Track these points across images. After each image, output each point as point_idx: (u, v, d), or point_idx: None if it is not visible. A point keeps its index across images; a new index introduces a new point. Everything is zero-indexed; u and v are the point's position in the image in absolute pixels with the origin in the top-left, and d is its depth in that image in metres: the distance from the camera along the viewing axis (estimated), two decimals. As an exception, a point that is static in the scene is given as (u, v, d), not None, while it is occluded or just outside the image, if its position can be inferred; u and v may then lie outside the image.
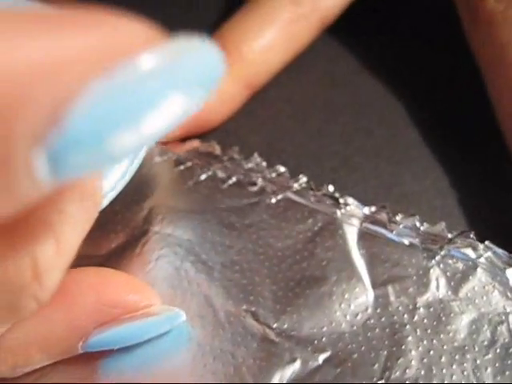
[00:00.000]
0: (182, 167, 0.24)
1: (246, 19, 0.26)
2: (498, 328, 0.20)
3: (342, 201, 0.23)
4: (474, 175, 0.25)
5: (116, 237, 0.22)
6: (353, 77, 0.28)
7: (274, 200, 0.23)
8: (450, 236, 0.22)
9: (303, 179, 0.23)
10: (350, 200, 0.23)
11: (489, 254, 0.21)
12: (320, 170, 0.25)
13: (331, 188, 0.23)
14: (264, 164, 0.24)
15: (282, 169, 0.24)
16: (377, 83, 0.28)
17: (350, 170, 0.25)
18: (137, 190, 0.24)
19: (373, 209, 0.23)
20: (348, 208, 0.23)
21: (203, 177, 0.24)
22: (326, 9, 0.27)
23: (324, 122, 0.26)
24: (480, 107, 0.25)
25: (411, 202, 0.24)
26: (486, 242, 0.21)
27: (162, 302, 0.21)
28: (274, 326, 0.20)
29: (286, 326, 0.20)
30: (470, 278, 0.21)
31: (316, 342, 0.20)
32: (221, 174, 0.24)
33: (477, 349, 0.20)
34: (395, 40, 0.29)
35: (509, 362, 0.19)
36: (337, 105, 0.27)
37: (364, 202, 0.23)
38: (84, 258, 0.21)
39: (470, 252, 0.21)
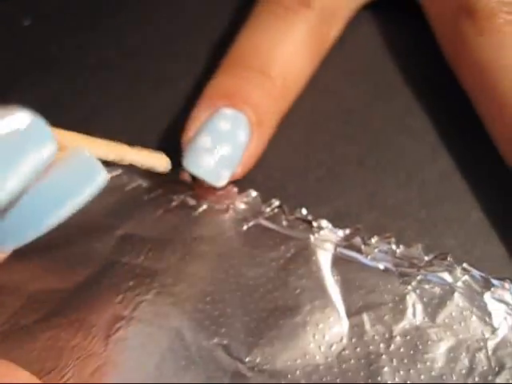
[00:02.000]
0: (152, 195, 0.23)
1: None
2: (477, 355, 0.19)
3: (315, 224, 0.22)
4: (463, 184, 0.24)
5: (84, 269, 0.22)
6: (337, 83, 0.27)
7: (245, 227, 0.22)
8: (426, 259, 0.21)
9: (275, 203, 0.23)
10: (324, 223, 0.22)
11: (466, 277, 0.21)
12: (304, 181, 0.24)
13: (304, 211, 0.23)
14: (235, 190, 0.23)
15: (253, 193, 0.23)
16: (362, 90, 0.27)
17: (334, 180, 0.24)
18: (106, 219, 0.23)
19: (347, 231, 0.22)
20: (322, 232, 0.22)
21: (173, 204, 0.23)
22: None
23: (310, 130, 0.26)
24: (467, 116, 0.25)
25: (395, 213, 0.23)
26: (464, 265, 0.21)
27: (132, 338, 0.20)
28: (247, 359, 0.20)
29: (258, 359, 0.20)
30: (448, 303, 0.20)
31: (289, 375, 0.19)
32: (191, 202, 0.23)
33: (455, 378, 0.19)
34: (382, 46, 0.28)
35: (487, 391, 0.19)
36: (322, 112, 0.26)
37: (348, 216, 0.23)
38: (49, 292, 0.21)
39: (446, 276, 0.21)
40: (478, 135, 0.24)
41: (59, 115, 0.26)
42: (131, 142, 0.25)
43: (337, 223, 0.23)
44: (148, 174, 0.24)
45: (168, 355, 0.20)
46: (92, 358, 0.20)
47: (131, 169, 0.24)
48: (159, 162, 0.21)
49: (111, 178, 0.24)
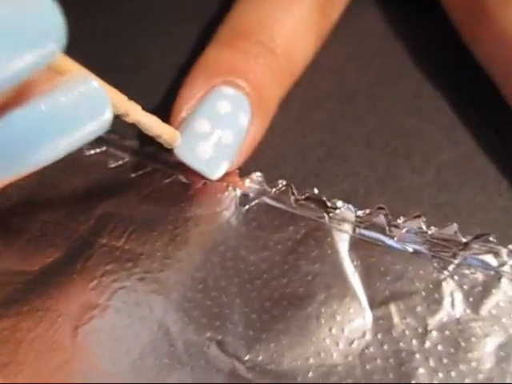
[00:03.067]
0: (140, 172, 0.20)
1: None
2: (534, 354, 0.15)
3: (329, 204, 0.19)
4: (485, 165, 0.21)
5: (54, 251, 0.18)
6: (340, 64, 0.24)
7: (247, 206, 0.19)
8: (464, 240, 0.17)
9: (282, 182, 0.19)
10: (340, 203, 0.19)
11: (515, 260, 0.17)
12: (301, 162, 0.21)
13: (316, 190, 0.19)
14: (236, 171, 0.20)
15: (257, 173, 0.20)
16: (367, 72, 0.24)
17: (338, 161, 0.21)
18: (85, 197, 0.19)
19: (367, 211, 0.18)
20: (337, 211, 0.18)
21: (164, 182, 0.20)
22: None
23: (305, 109, 0.23)
24: (482, 95, 0.22)
25: (411, 199, 0.20)
26: (510, 246, 0.17)
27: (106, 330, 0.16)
28: (246, 358, 0.16)
29: (260, 357, 0.16)
30: (493, 291, 0.17)
31: (300, 377, 0.16)
32: (185, 180, 0.20)
33: (509, 380, 0.15)
34: (388, 27, 0.25)
35: (551, 396, 0.15)
36: (322, 90, 0.23)
37: (355, 199, 0.19)
38: (9, 274, 0.17)
39: (490, 259, 0.17)
40: (495, 115, 0.21)
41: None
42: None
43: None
44: (136, 150, 0.21)
45: (148, 352, 0.16)
46: (56, 351, 0.16)
47: (117, 145, 0.21)
48: (169, 135, 0.18)
49: (94, 153, 0.21)
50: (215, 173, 0.19)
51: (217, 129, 0.19)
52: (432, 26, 0.24)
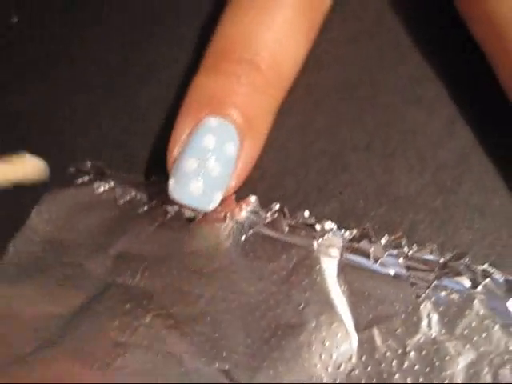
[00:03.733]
0: (146, 207, 0.22)
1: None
2: (500, 371, 0.17)
3: (318, 227, 0.20)
4: (483, 164, 0.21)
5: (78, 293, 0.21)
6: (337, 52, 0.24)
7: (243, 237, 0.21)
8: (441, 260, 0.19)
9: (275, 207, 0.21)
10: (328, 225, 0.20)
11: (487, 281, 0.18)
12: (304, 176, 0.22)
13: (306, 213, 0.21)
14: (233, 196, 0.21)
15: (252, 198, 0.21)
16: (365, 57, 0.24)
17: (338, 170, 0.22)
18: (99, 237, 0.22)
19: (354, 232, 0.20)
20: (326, 237, 0.20)
21: (168, 216, 0.22)
22: None
23: (305, 114, 0.23)
24: (486, 81, 0.22)
25: (407, 205, 0.21)
26: (485, 266, 0.19)
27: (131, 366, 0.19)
28: (250, 385, 0.18)
29: (262, 384, 0.18)
30: (467, 311, 0.18)
31: (296, 400, 0.18)
32: (187, 212, 0.21)
33: (476, 398, 0.17)
34: (385, 6, 0.25)
35: (513, 412, 0.17)
36: (321, 89, 0.24)
37: (354, 212, 0.21)
38: (44, 318, 0.20)
39: (465, 281, 0.19)
40: (499, 104, 0.21)
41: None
42: (115, 145, 0.23)
43: (343, 221, 0.21)
44: (143, 183, 0.23)
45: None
46: (91, 391, 0.19)
47: (125, 180, 0.23)
48: (32, 169, 0.19)
49: (103, 191, 0.23)
50: (209, 206, 0.20)
51: (204, 164, 0.20)
52: (431, 3, 0.24)
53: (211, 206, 0.20)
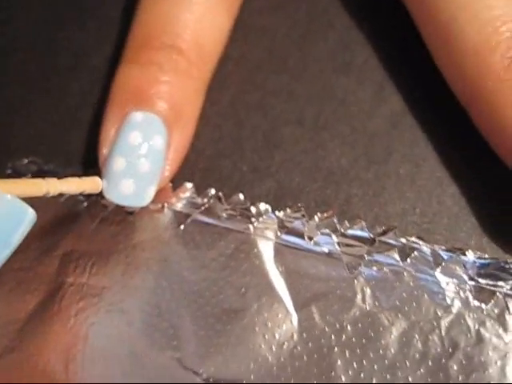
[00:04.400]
0: (86, 203, 0.22)
1: None
2: (430, 337, 0.18)
3: (254, 210, 0.21)
4: (414, 130, 0.22)
5: (32, 297, 0.21)
6: (264, 19, 0.24)
7: (182, 226, 0.21)
8: (372, 236, 0.20)
9: (211, 192, 0.21)
10: (262, 206, 0.21)
11: (415, 253, 0.19)
12: (239, 156, 0.22)
13: (241, 196, 0.21)
14: (169, 185, 0.22)
15: (188, 185, 0.22)
16: (293, 23, 0.24)
17: (272, 148, 0.22)
18: (45, 239, 0.22)
19: (288, 212, 0.20)
20: (261, 219, 0.21)
21: (109, 210, 0.22)
22: None
23: (238, 88, 0.23)
24: (417, 46, 0.21)
25: (341, 179, 0.21)
26: (413, 238, 0.19)
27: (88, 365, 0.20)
28: (201, 371, 0.20)
29: (212, 370, 0.20)
30: (397, 284, 0.19)
31: (245, 381, 0.19)
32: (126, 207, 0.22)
33: (408, 364, 0.18)
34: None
35: (441, 375, 0.18)
36: (252, 62, 0.24)
37: (290, 190, 0.21)
38: (3, 325, 0.21)
39: (394, 255, 0.19)
40: (430, 69, 0.21)
41: None
42: (51, 140, 0.23)
43: (279, 200, 0.21)
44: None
45: (126, 379, 0.20)
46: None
47: (63, 176, 0.23)
48: (91, 186, 0.20)
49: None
50: (142, 202, 0.21)
51: (132, 162, 0.20)
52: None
53: (145, 202, 0.20)
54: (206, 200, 0.21)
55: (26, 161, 0.23)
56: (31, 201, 0.22)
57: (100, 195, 0.22)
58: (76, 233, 0.22)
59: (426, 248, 0.19)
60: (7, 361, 0.21)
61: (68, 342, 0.21)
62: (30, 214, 0.17)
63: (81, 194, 0.22)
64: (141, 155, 0.20)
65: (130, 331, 0.20)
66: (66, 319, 0.21)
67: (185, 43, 0.21)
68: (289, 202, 0.21)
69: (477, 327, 0.18)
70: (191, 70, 0.21)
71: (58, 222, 0.22)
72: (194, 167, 0.22)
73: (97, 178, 0.20)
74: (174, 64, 0.21)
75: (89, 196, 0.22)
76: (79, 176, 0.22)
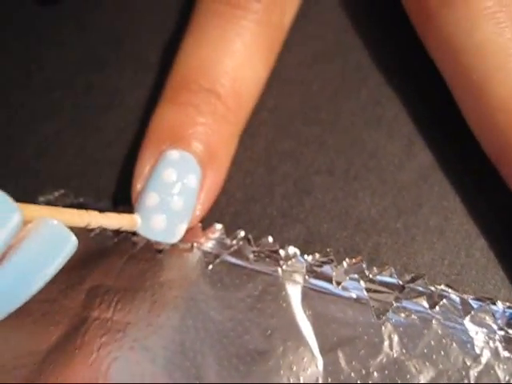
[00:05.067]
0: (116, 239, 0.23)
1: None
2: (459, 387, 0.18)
3: (282, 253, 0.21)
4: (443, 184, 0.22)
5: (55, 329, 0.21)
6: (299, 73, 0.25)
7: (211, 266, 0.21)
8: (401, 283, 0.20)
9: (240, 234, 0.22)
10: (291, 250, 0.21)
11: (444, 301, 0.19)
12: (269, 201, 0.23)
13: (270, 239, 0.21)
14: (199, 225, 0.22)
15: (218, 226, 0.22)
16: (328, 78, 0.25)
17: (303, 194, 0.23)
18: (72, 272, 0.22)
19: (317, 256, 0.21)
20: (289, 262, 0.21)
21: (137, 248, 0.22)
22: None
23: (271, 137, 0.24)
24: (447, 102, 0.22)
25: (370, 228, 0.22)
26: (442, 286, 0.19)
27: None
28: (222, 412, 0.19)
29: (233, 411, 0.19)
30: (425, 331, 0.19)
31: (267, 424, 0.19)
32: (156, 244, 0.22)
33: (437, 414, 0.18)
34: (346, 23, 0.25)
35: (472, 426, 0.18)
36: (286, 111, 0.24)
37: (318, 236, 0.21)
38: (23, 356, 0.21)
39: (423, 302, 0.19)
40: (459, 125, 0.22)
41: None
42: (83, 173, 0.24)
43: (307, 245, 0.21)
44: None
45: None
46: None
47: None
48: (128, 223, 0.20)
49: (74, 224, 0.23)
50: (173, 239, 0.21)
51: (166, 198, 0.21)
52: (391, 22, 0.24)
53: (176, 239, 0.21)
54: (234, 241, 0.22)
55: (57, 194, 0.24)
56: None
57: (130, 232, 0.22)
58: (104, 268, 0.22)
59: (455, 296, 0.19)
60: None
61: (89, 377, 0.20)
62: (73, 241, 0.17)
63: (112, 230, 0.23)
64: (174, 192, 0.21)
65: (152, 369, 0.20)
66: (89, 353, 0.21)
67: (223, 89, 0.22)
68: (318, 248, 0.21)
69: (507, 378, 0.18)
70: (228, 115, 0.22)
71: (87, 256, 0.23)
72: (224, 210, 0.23)
73: (135, 216, 0.21)
74: (211, 107, 0.22)
75: (119, 232, 0.23)
76: (110, 211, 0.23)
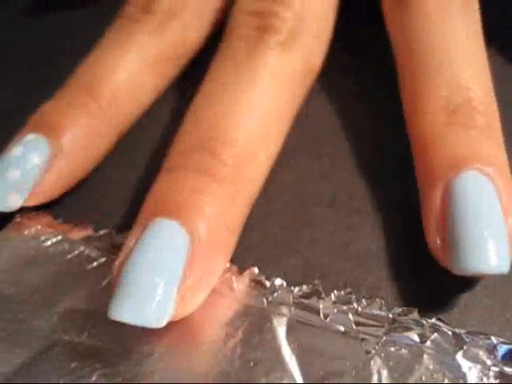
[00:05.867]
0: (94, 264, 0.22)
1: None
2: (451, 426, 0.17)
3: (268, 285, 0.20)
4: None
5: (22, 350, 0.20)
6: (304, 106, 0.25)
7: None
8: (391, 316, 0.19)
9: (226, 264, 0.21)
10: (278, 281, 0.20)
11: (435, 335, 0.19)
12: (268, 227, 0.22)
13: (256, 271, 0.21)
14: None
15: None
16: (328, 118, 0.25)
17: (303, 225, 0.22)
18: (46, 293, 0.21)
19: (304, 288, 0.20)
20: (275, 294, 0.20)
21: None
22: None
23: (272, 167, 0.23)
24: None
25: (370, 262, 0.21)
26: (433, 320, 0.19)
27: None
28: None
29: None
30: (416, 366, 0.18)
31: None
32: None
33: None
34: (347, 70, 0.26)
35: None
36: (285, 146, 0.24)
37: (318, 269, 0.21)
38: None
39: (414, 336, 0.19)
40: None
41: None
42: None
43: (306, 276, 0.21)
44: (91, 237, 0.23)
45: None
46: None
47: (72, 235, 0.22)
48: None
49: (51, 244, 0.22)
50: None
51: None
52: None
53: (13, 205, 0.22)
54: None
55: (34, 213, 0.23)
56: (35, 255, 0.22)
57: (110, 257, 0.22)
58: (80, 292, 0.21)
59: (447, 330, 0.19)
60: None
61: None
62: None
63: (92, 253, 0.22)
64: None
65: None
66: (56, 379, 0.19)
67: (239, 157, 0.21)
68: (316, 281, 0.20)
69: (501, 416, 0.17)
70: (237, 195, 0.21)
71: (62, 279, 0.22)
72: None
73: None
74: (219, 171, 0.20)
75: (98, 256, 0.22)
76: (89, 235, 0.22)
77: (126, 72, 0.24)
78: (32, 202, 0.22)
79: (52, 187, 0.23)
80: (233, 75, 0.22)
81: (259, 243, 0.22)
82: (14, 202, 0.22)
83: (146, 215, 0.19)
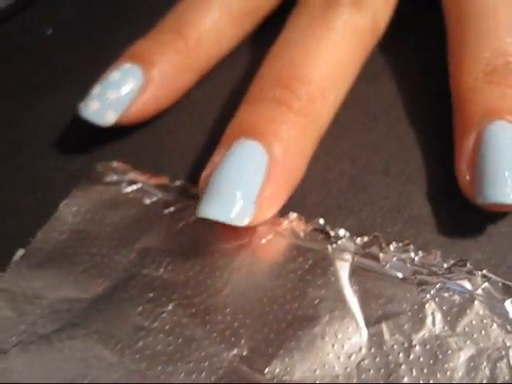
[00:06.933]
0: (171, 209, 0.24)
1: None
2: (498, 365, 0.19)
3: (332, 234, 0.22)
4: None
5: (104, 280, 0.22)
6: (359, 87, 0.27)
7: (264, 240, 0.22)
8: (445, 266, 0.21)
9: (293, 216, 0.23)
10: (342, 232, 0.22)
11: (486, 284, 0.20)
12: (326, 194, 0.24)
13: (322, 221, 0.23)
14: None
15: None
16: (384, 95, 0.27)
17: (358, 190, 0.24)
18: (126, 232, 0.23)
19: (365, 239, 0.22)
20: (339, 242, 0.22)
21: (193, 219, 0.23)
22: None
23: (329, 139, 0.25)
24: None
25: (421, 226, 0.23)
26: (484, 271, 0.21)
27: (152, 349, 0.20)
28: (266, 370, 0.20)
29: (277, 370, 0.20)
30: (467, 311, 0.20)
31: (309, 386, 0.19)
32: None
33: (475, 388, 0.19)
34: (405, 50, 0.28)
35: (509, 401, 0.18)
36: (344, 120, 0.26)
37: (372, 229, 0.23)
38: (68, 301, 0.21)
39: (466, 284, 0.21)
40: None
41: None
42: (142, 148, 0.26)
43: (360, 235, 0.22)
44: (168, 186, 0.24)
45: (192, 368, 0.20)
46: (112, 368, 0.20)
47: (150, 184, 0.24)
48: None
49: (131, 191, 0.24)
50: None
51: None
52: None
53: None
54: (286, 221, 0.23)
55: (115, 163, 0.26)
56: (116, 199, 0.24)
57: (186, 203, 0.24)
58: (157, 232, 0.23)
59: (497, 280, 0.20)
60: (68, 334, 0.21)
61: (133, 328, 0.21)
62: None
63: (169, 200, 0.24)
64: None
65: (199, 325, 0.21)
66: (135, 306, 0.21)
67: (317, 91, 0.23)
68: (376, 232, 0.22)
69: (546, 358, 0.19)
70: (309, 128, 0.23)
71: (141, 220, 0.24)
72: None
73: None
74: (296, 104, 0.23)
75: (175, 202, 0.24)
76: (165, 184, 0.24)
77: (212, 20, 0.27)
78: (123, 120, 0.25)
79: (141, 111, 0.26)
80: (309, 27, 0.25)
81: (318, 206, 0.24)
82: (109, 118, 0.25)
83: (230, 137, 0.22)
